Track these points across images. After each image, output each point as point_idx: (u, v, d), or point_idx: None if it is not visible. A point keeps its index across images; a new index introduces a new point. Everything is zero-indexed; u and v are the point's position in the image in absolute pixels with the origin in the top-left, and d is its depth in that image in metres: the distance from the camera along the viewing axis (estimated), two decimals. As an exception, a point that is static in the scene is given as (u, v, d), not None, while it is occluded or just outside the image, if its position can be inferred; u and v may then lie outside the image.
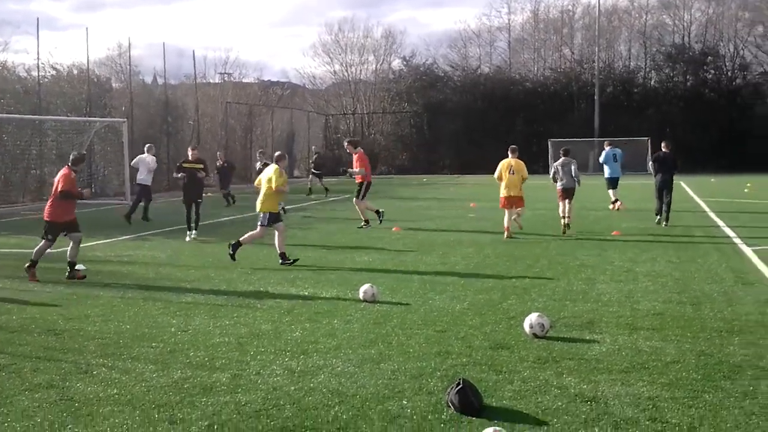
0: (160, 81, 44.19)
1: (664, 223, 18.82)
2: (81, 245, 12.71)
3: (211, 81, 52.42)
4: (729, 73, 58.07)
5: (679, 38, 59.66)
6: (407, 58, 63.17)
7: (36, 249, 12.40)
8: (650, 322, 8.80)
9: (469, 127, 55.03)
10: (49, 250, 12.58)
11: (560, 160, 18.28)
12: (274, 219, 13.77)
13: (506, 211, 16.97)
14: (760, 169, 48.38)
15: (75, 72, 36.71)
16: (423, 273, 12.43)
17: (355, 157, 19.63)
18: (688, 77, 57.74)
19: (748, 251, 14.27)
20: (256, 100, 52.23)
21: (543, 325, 8.17)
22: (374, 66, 64.37)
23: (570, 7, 63.19)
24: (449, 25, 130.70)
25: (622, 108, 55.25)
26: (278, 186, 13.63)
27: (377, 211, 19.61)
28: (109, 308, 9.99)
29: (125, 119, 31.94)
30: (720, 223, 19.13)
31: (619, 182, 24.25)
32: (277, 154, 14.41)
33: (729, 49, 58.72)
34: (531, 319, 8.26)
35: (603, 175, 24.58)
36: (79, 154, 13.03)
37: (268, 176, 13.84)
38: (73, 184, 12.50)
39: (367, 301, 10.10)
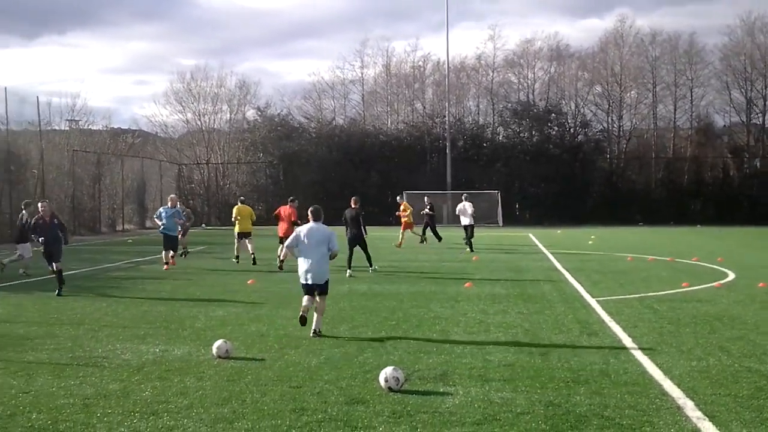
0: (2, 127, 42.25)
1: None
2: None
3: (57, 128, 50.26)
4: (571, 130, 61.05)
5: (524, 96, 62.38)
6: (262, 109, 63.01)
7: None
8: (501, 373, 9.01)
9: (325, 177, 55.24)
10: None
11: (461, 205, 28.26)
12: None
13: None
14: (602, 221, 51.01)
15: None
16: (279, 327, 12.30)
17: None
18: (533, 133, 60.24)
19: (592, 302, 14.87)
20: (105, 148, 50.59)
21: (398, 378, 8.22)
22: (228, 116, 63.61)
23: (420, 63, 64.96)
24: (303, 76, 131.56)
25: (472, 161, 56.99)
26: None
27: None
28: (-59, 370, 9.35)
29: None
30: (566, 274, 19.90)
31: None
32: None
33: (571, 107, 61.86)
34: (386, 372, 8.30)
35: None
36: None
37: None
38: None
39: (220, 357, 9.88)
